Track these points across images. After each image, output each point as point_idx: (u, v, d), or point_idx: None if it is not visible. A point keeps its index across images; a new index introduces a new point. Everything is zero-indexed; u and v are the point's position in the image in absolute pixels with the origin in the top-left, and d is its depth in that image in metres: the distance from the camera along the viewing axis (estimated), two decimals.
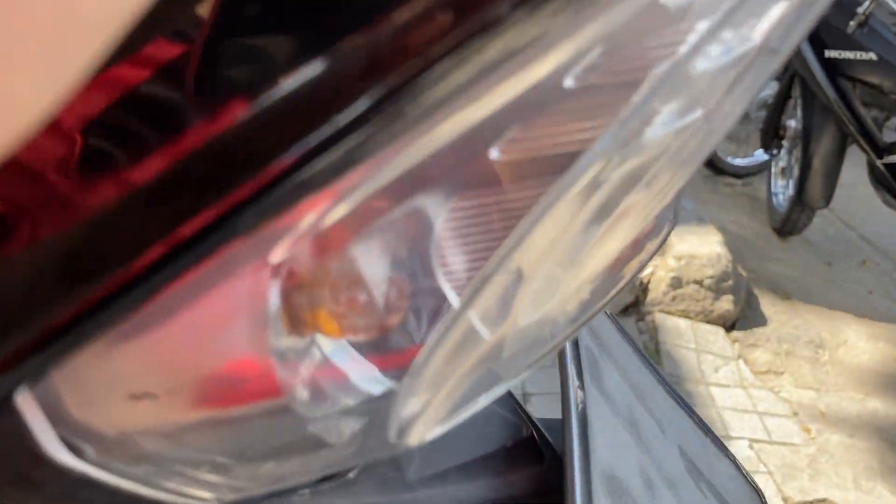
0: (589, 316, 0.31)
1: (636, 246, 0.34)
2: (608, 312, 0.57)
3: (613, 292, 0.32)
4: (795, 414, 1.79)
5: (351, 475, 0.34)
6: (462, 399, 0.26)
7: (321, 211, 0.19)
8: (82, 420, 0.22)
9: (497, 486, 0.39)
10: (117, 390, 0.22)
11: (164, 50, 0.18)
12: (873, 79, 2.20)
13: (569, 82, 0.20)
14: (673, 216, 0.40)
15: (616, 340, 0.54)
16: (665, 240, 0.40)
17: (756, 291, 2.27)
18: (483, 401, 0.26)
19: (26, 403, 0.21)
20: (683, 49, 0.21)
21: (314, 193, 0.19)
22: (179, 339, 0.21)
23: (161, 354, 0.21)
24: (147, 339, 0.21)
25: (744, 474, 0.59)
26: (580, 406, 0.40)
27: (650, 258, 0.36)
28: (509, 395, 0.47)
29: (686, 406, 0.58)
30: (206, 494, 0.25)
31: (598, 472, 0.37)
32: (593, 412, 0.40)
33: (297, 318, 0.22)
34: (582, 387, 0.41)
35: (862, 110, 2.25)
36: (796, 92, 2.55)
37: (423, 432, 0.25)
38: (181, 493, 0.25)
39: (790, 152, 2.64)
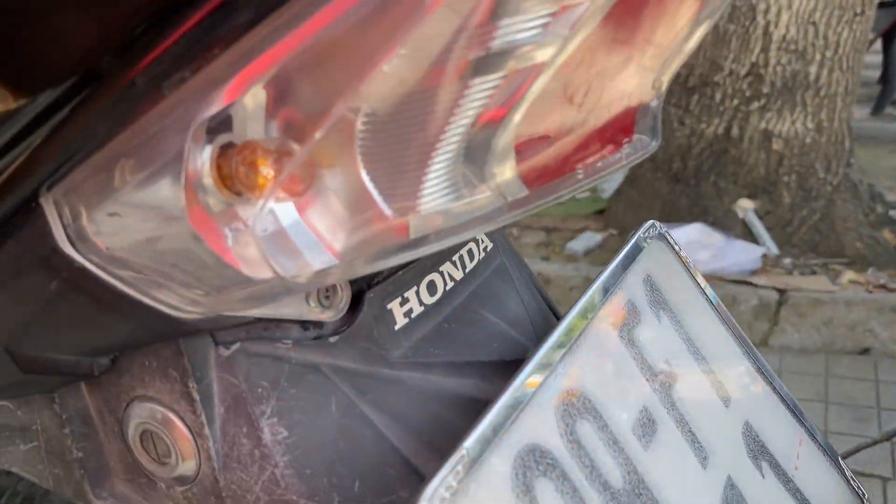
0: (531, 207, 0.30)
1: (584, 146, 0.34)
2: (689, 266, 0.49)
3: (565, 192, 0.32)
4: None
5: (332, 339, 0.34)
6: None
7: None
8: (81, 224, 0.27)
9: (484, 389, 0.38)
10: (98, 206, 0.26)
11: None
12: None
13: None
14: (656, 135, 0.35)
15: (688, 297, 0.46)
16: (644, 156, 0.34)
17: None
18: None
19: (48, 203, 0.27)
20: None
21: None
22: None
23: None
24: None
25: (847, 478, 0.50)
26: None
27: (618, 166, 0.31)
28: (530, 321, 0.42)
29: (779, 388, 0.49)
30: (191, 308, 0.29)
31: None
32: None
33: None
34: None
35: None
36: None
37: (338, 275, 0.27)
38: (170, 304, 0.28)
39: None
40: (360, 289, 0.34)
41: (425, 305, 0.37)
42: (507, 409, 0.31)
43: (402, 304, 0.36)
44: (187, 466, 0.32)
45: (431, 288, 0.38)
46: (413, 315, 0.36)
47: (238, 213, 0.25)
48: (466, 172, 0.27)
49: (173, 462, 0.32)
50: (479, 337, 0.39)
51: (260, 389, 0.31)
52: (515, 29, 0.24)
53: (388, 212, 0.25)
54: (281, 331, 0.33)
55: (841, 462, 0.50)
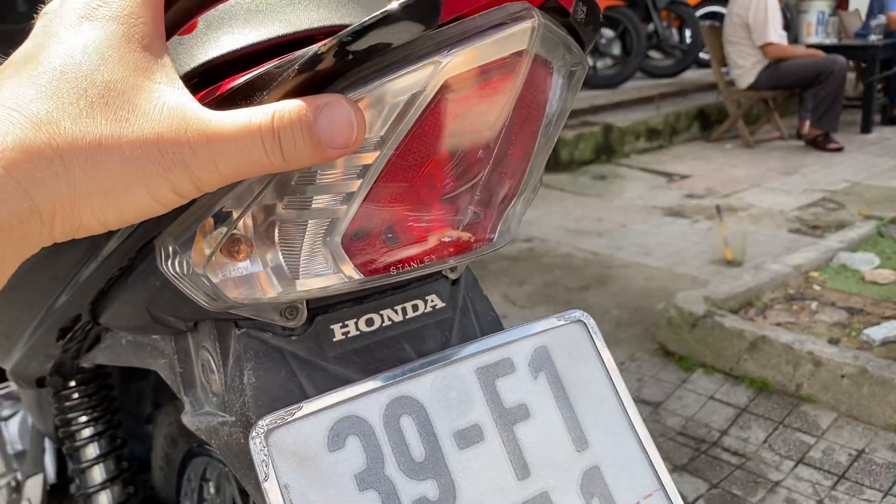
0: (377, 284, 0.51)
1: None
2: (601, 351, 0.66)
3: (400, 278, 0.53)
4: None
5: (293, 337, 0.61)
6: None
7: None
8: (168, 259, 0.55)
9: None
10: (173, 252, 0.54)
11: None
12: None
13: None
14: (509, 232, 0.54)
15: (584, 372, 0.64)
16: (495, 250, 0.53)
17: None
18: None
19: (158, 243, 0.55)
20: None
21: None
22: None
23: None
24: None
25: None
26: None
27: (464, 259, 0.52)
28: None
29: (651, 457, 0.65)
30: (211, 306, 0.55)
31: None
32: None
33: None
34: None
35: None
36: None
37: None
38: (203, 301, 0.55)
39: None
40: (316, 312, 0.62)
41: (360, 331, 0.63)
42: (352, 392, 0.56)
43: (342, 327, 0.62)
44: (216, 385, 0.63)
45: (369, 322, 0.63)
46: (349, 335, 0.62)
47: (223, 266, 0.54)
48: (325, 263, 0.53)
49: (212, 381, 0.64)
50: (388, 356, 0.63)
51: (249, 353, 0.60)
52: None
53: (277, 285, 0.53)
54: (268, 327, 0.61)
55: None
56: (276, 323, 0.60)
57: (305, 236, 0.52)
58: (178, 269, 0.55)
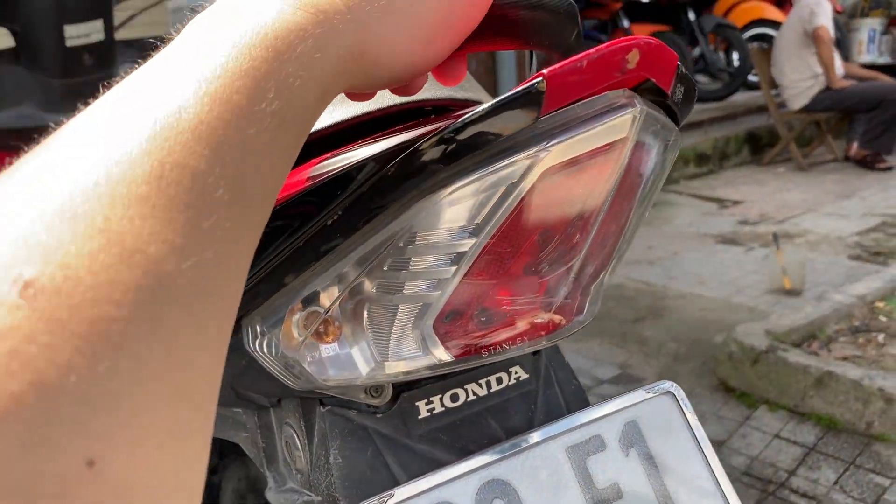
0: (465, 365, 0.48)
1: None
2: (691, 423, 0.64)
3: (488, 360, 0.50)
4: None
5: (378, 415, 0.60)
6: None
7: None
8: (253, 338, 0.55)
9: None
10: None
11: None
12: None
13: None
14: (596, 306, 0.53)
15: (676, 447, 0.62)
16: (583, 326, 0.52)
17: None
18: None
19: (245, 321, 0.55)
20: None
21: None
22: None
23: None
24: None
25: None
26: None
27: (554, 339, 0.50)
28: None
29: None
30: (295, 385, 0.56)
31: None
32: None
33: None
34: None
35: None
36: None
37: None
38: (288, 380, 0.55)
39: None
40: (401, 389, 0.61)
41: (446, 407, 0.62)
42: (439, 476, 0.55)
43: (427, 404, 0.61)
44: (300, 462, 0.63)
45: (454, 397, 0.62)
46: (434, 412, 0.61)
47: (311, 347, 0.54)
48: (415, 345, 0.53)
49: (296, 458, 0.63)
50: (474, 433, 0.62)
51: (335, 432, 0.60)
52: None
53: (365, 367, 0.52)
54: (353, 405, 0.61)
55: None
56: (361, 401, 0.60)
57: (395, 320, 0.51)
58: (265, 350, 0.55)
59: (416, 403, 0.61)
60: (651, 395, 0.64)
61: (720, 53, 7.50)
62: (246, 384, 0.63)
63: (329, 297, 0.51)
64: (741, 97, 7.32)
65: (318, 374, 0.53)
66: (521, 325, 0.53)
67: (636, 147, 0.48)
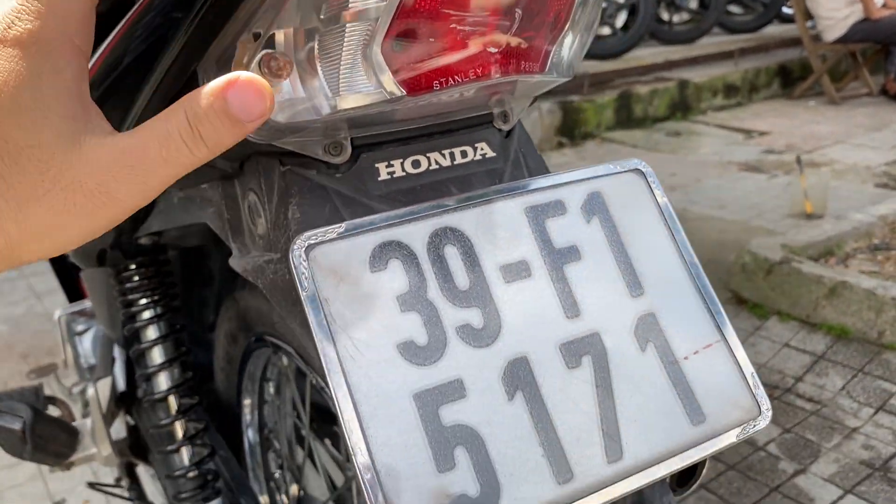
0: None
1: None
2: (660, 201, 0.62)
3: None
4: None
5: (337, 175, 0.59)
6: None
7: None
8: None
9: None
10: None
11: None
12: None
13: None
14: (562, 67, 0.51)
15: (641, 219, 0.61)
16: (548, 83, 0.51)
17: None
18: None
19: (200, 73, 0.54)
20: None
21: None
22: None
23: None
24: None
25: (751, 387, 0.60)
26: None
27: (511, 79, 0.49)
28: None
29: (712, 305, 0.61)
30: (258, 139, 0.55)
31: None
32: None
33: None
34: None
35: None
36: None
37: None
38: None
39: None
40: (360, 150, 0.60)
41: (406, 172, 0.61)
42: (396, 216, 0.54)
43: (387, 167, 0.60)
44: (261, 228, 0.62)
45: (416, 164, 0.61)
46: (394, 175, 0.60)
47: None
48: (365, 76, 0.52)
49: (258, 225, 0.63)
50: (434, 199, 0.61)
51: (294, 190, 0.59)
52: None
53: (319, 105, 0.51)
54: (313, 165, 0.60)
55: (749, 374, 0.59)
56: (320, 159, 0.59)
57: (344, 46, 0.50)
58: None
59: (377, 165, 0.60)
60: (619, 169, 0.63)
61: None
62: None
63: (277, 24, 0.50)
64: (774, 29, 7.11)
65: (274, 117, 0.53)
66: (474, 49, 0.52)
67: None
